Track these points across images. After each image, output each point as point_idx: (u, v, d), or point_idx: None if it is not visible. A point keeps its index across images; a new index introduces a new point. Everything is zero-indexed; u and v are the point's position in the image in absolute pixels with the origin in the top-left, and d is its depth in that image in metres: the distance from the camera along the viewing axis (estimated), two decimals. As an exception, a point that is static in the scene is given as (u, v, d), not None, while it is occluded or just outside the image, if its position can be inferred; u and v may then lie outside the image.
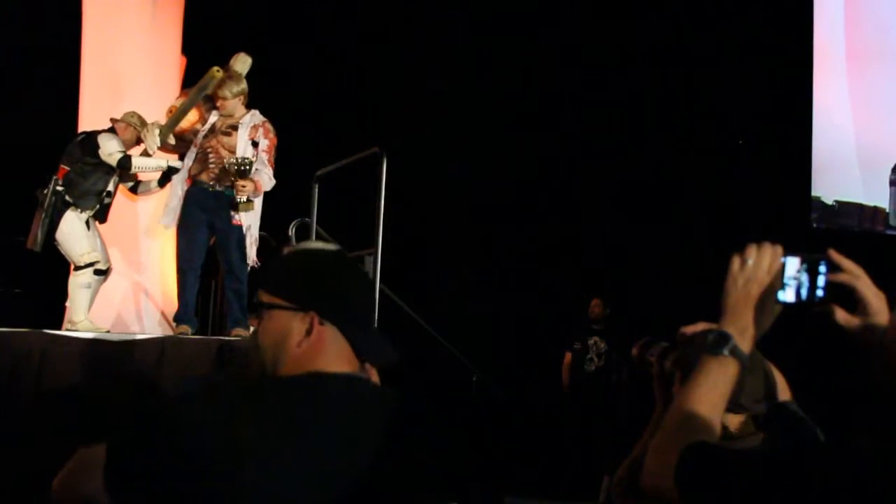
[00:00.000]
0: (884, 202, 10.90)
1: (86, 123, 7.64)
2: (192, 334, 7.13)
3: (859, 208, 11.00)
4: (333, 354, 2.32)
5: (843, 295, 1.92)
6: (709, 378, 1.91)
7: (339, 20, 10.94)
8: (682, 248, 10.12)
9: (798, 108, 10.68)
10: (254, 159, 7.29)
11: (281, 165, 7.92)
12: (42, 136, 9.02)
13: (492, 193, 11.12)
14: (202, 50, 8.58)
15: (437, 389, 8.85)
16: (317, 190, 7.91)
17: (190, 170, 7.46)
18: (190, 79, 8.11)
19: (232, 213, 7.37)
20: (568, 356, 10.51)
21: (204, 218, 7.39)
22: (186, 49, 8.32)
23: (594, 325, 10.50)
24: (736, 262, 1.94)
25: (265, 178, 7.38)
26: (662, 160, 10.58)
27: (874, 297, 1.92)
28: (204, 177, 7.46)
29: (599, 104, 10.81)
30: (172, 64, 8.16)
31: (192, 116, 7.53)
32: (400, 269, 7.96)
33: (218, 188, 7.44)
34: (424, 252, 10.42)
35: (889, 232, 10.81)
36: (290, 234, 8.19)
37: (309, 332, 2.32)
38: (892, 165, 10.83)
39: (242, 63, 7.67)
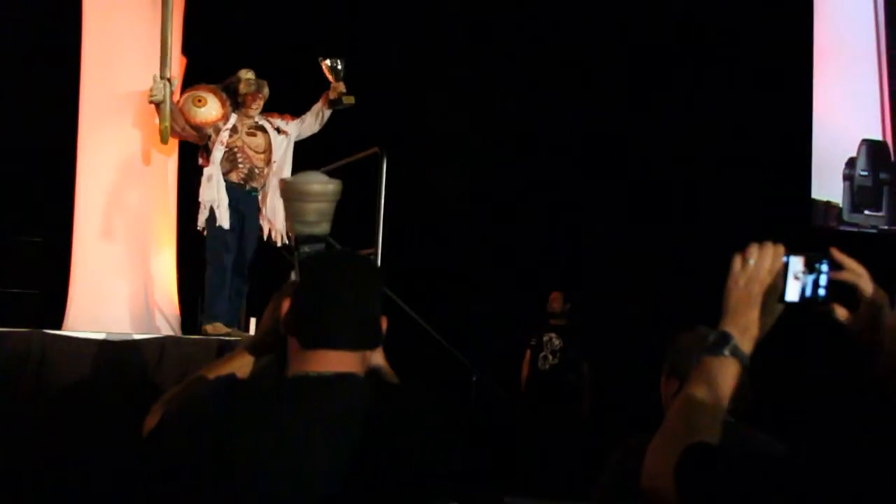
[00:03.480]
0: (836, 197, 10.85)
1: (86, 124, 7.64)
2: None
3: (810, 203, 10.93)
4: (327, 355, 2.34)
5: (846, 294, 1.91)
6: (709, 379, 1.90)
7: (339, 19, 10.93)
8: (678, 247, 10.10)
9: (798, 108, 10.67)
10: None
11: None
12: (42, 136, 9.04)
13: (493, 192, 11.11)
14: (202, 50, 8.57)
15: (438, 389, 8.85)
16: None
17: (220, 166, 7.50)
18: (189, 79, 8.11)
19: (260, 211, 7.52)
20: (527, 354, 10.16)
21: (236, 217, 7.45)
22: (186, 49, 8.31)
23: (552, 321, 10.12)
24: (737, 262, 1.94)
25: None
26: (659, 160, 10.58)
27: (877, 296, 1.91)
28: (234, 176, 7.49)
29: (598, 102, 10.80)
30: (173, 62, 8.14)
31: (217, 112, 7.51)
32: (400, 269, 7.96)
33: (247, 188, 7.51)
34: (425, 252, 10.40)
35: (843, 228, 10.72)
36: (290, 234, 8.15)
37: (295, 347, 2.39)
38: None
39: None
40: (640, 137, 10.73)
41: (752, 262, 1.92)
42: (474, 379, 8.83)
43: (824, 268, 1.89)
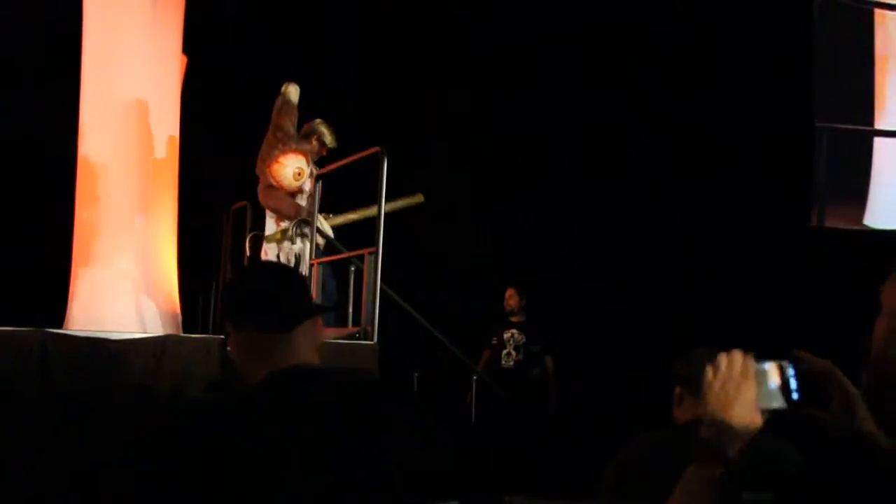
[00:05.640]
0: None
1: (86, 123, 7.64)
2: None
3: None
4: (274, 353, 2.39)
5: (818, 392, 1.95)
6: (692, 488, 1.96)
7: (339, 18, 10.94)
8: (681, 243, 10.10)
9: (800, 106, 10.64)
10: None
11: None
12: (42, 134, 9.04)
13: (493, 191, 11.10)
14: (203, 49, 8.57)
15: (438, 389, 8.86)
16: (318, 189, 7.95)
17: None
18: (191, 78, 8.12)
19: None
20: (485, 354, 10.05)
21: None
22: (187, 48, 8.32)
23: (511, 318, 10.04)
24: (710, 371, 1.98)
25: None
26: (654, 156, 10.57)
27: (850, 388, 1.95)
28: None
29: (598, 101, 10.78)
30: (173, 63, 8.14)
31: (308, 171, 8.02)
32: (401, 269, 7.98)
33: None
34: (425, 251, 10.40)
35: None
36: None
37: (237, 341, 2.45)
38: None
39: (296, 92, 8.02)
40: (636, 135, 10.73)
41: (723, 366, 1.96)
42: (474, 378, 8.82)
43: (791, 371, 1.93)
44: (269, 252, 7.93)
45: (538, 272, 10.52)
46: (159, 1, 7.92)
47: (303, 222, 7.99)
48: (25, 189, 9.38)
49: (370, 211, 7.92)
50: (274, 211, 7.97)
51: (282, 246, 7.81)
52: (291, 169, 7.83)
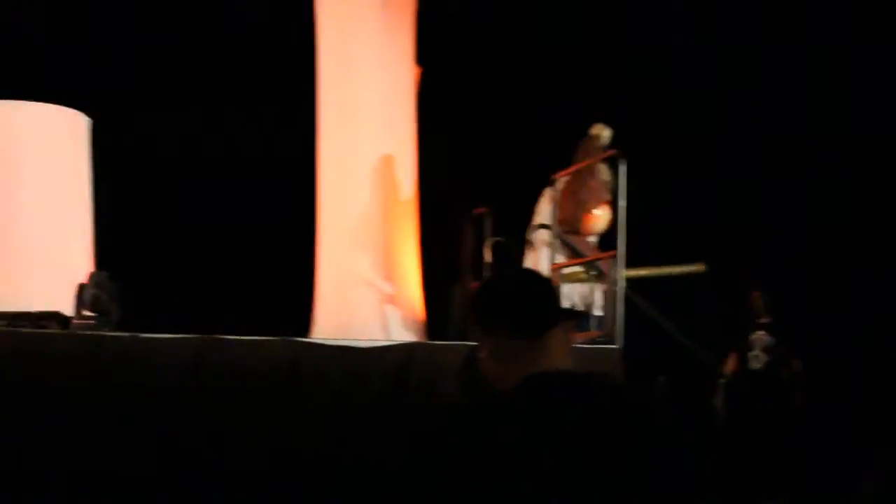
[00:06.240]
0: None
1: (324, 131, 7.83)
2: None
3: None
4: (527, 359, 2.37)
5: None
6: None
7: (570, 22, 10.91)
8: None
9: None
10: None
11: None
12: (283, 145, 9.32)
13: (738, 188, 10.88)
14: (436, 58, 8.62)
15: (685, 393, 8.72)
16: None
17: None
18: (427, 84, 8.23)
19: None
20: (732, 356, 9.68)
21: None
22: (419, 58, 8.39)
23: (759, 320, 9.70)
24: None
25: None
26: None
27: None
28: None
29: (635, 87, 10.50)
30: (405, 73, 8.23)
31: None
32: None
33: None
34: (666, 256, 10.29)
35: None
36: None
37: (490, 346, 2.43)
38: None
39: (609, 136, 8.50)
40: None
41: None
42: (722, 381, 8.65)
43: None
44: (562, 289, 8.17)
45: (785, 273, 10.27)
46: (391, 18, 8.04)
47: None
48: (268, 201, 9.65)
49: (662, 270, 8.69)
50: (576, 252, 8.20)
51: (574, 286, 8.24)
52: (605, 219, 8.23)
